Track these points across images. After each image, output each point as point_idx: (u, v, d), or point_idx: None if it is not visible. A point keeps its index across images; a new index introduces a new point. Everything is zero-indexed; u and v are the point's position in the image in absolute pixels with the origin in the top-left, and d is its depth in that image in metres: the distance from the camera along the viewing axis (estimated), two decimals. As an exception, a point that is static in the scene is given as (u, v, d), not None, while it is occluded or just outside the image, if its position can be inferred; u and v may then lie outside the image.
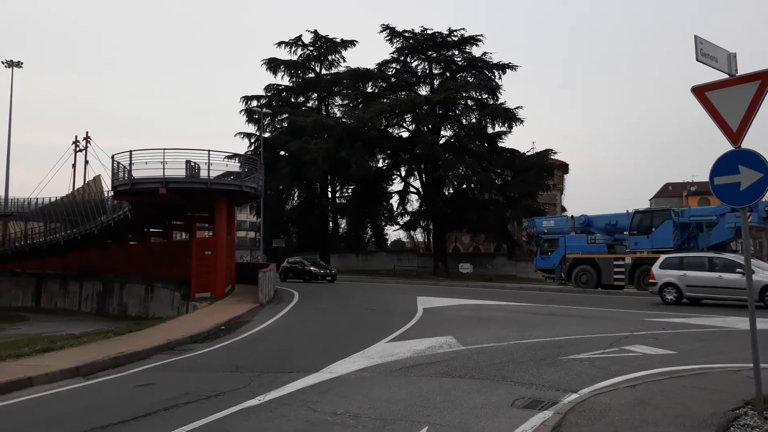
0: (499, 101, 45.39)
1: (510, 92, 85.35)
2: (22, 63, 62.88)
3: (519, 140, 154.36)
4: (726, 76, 6.51)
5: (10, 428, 6.94)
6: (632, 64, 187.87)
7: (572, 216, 31.60)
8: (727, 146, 6.43)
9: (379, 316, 17.74)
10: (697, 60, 6.34)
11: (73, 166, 64.93)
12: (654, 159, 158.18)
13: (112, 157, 24.50)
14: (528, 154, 46.15)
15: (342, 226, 59.77)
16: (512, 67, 46.30)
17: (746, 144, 6.33)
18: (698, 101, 6.59)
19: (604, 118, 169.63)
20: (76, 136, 67.42)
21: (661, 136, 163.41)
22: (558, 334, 12.75)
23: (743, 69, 6.47)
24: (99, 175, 39.07)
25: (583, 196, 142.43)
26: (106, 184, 33.84)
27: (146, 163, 23.39)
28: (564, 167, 56.94)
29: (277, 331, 15.17)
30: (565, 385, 7.97)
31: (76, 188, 49.86)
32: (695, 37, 6.36)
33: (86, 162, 64.66)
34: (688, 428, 5.88)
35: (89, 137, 64.68)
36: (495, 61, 46.58)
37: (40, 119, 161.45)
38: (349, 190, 54.33)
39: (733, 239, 26.27)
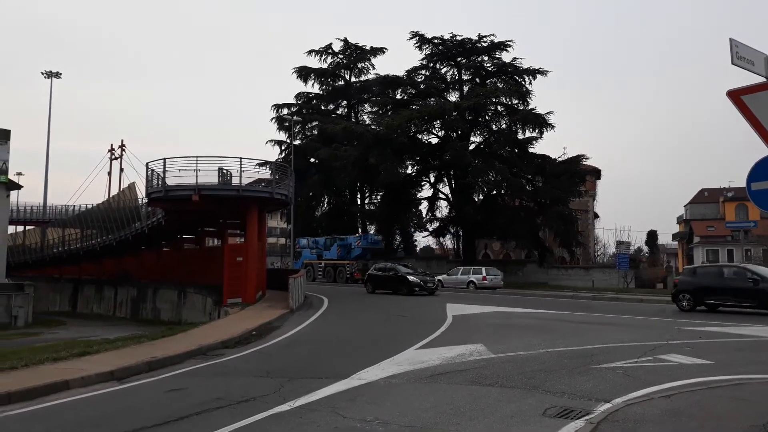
0: (530, 107, 45.11)
1: (540, 97, 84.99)
2: (61, 74, 64.67)
3: (550, 146, 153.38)
4: (763, 79, 6.36)
5: (47, 429, 7.11)
6: (666, 67, 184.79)
7: (307, 239, 47.85)
8: (764, 151, 6.29)
9: (408, 322, 17.71)
10: (732, 63, 6.21)
11: (109, 173, 66.52)
12: (689, 164, 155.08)
13: (147, 164, 25.00)
14: (559, 159, 45.73)
15: (371, 232, 59.90)
16: (543, 72, 46.00)
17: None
18: (734, 105, 6.46)
19: (637, 123, 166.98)
20: (111, 144, 69.20)
21: (696, 141, 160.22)
22: (590, 343, 12.56)
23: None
24: (134, 183, 39.83)
25: (616, 202, 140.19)
26: (141, 191, 34.58)
27: (179, 170, 23.81)
28: (596, 173, 56.23)
29: (307, 337, 15.24)
30: (598, 395, 7.84)
31: (111, 195, 51.10)
32: (730, 40, 6.24)
33: (121, 169, 66.20)
34: (726, 440, 5.74)
35: (124, 145, 66.27)
36: (525, 67, 46.36)
37: (78, 127, 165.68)
38: (378, 197, 54.46)
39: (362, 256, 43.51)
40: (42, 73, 64.08)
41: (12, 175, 39.57)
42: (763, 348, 11.97)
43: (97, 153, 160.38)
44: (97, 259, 44.45)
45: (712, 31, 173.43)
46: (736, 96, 6.46)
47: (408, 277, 29.54)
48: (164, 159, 23.98)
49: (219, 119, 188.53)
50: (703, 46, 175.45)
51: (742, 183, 6.54)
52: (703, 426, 6.18)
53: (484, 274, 35.38)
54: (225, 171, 24.50)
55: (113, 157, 66.38)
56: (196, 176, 23.53)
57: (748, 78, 6.42)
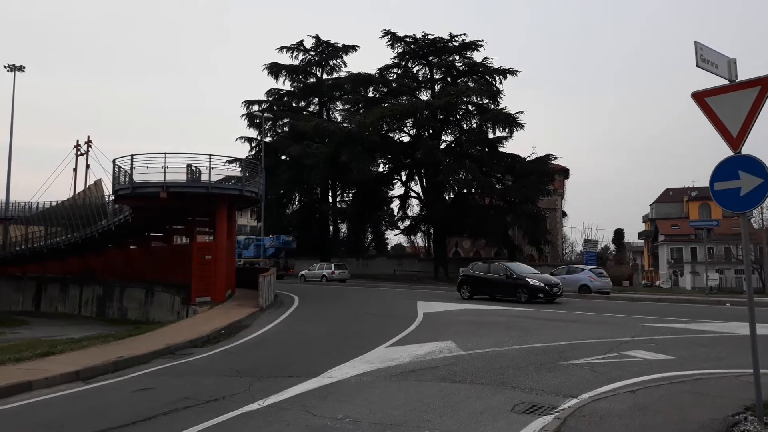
0: (500, 106, 45.52)
1: (511, 97, 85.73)
2: (24, 67, 63.03)
3: (519, 145, 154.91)
4: (726, 81, 6.53)
5: (9, 432, 6.94)
6: (633, 68, 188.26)
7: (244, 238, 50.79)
8: (727, 152, 6.45)
9: (379, 320, 17.72)
10: (697, 66, 6.36)
11: (75, 170, 65.11)
12: (655, 164, 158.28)
13: (114, 161, 24.56)
14: (528, 159, 46.23)
15: (342, 230, 59.85)
16: (513, 72, 46.44)
17: (746, 149, 6.35)
18: (698, 107, 6.61)
19: (605, 123, 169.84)
20: (77, 140, 67.56)
21: (662, 141, 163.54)
22: (558, 339, 12.73)
23: (743, 75, 6.49)
24: (100, 179, 38.97)
25: (583, 201, 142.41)
26: (107, 188, 33.90)
27: (147, 167, 23.40)
28: (564, 172, 57.00)
29: (277, 336, 15.16)
30: (565, 391, 7.96)
31: (77, 192, 49.99)
32: (695, 43, 6.38)
33: (87, 166, 64.83)
34: (688, 434, 5.88)
35: (91, 141, 64.88)
36: (496, 66, 46.75)
37: (42, 123, 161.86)
38: (350, 195, 54.42)
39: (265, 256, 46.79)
40: (5, 67, 62.40)
41: (-28, 171, 38.41)
42: (723, 344, 12.28)
43: (62, 149, 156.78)
44: (62, 258, 43.53)
45: (679, 33, 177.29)
46: (700, 98, 6.62)
47: (529, 280, 22.98)
48: (131, 155, 23.58)
49: (188, 116, 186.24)
50: (669, 47, 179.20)
51: (705, 183, 6.69)
52: (667, 420, 6.31)
53: (333, 269, 40.94)
54: (194, 168, 24.19)
55: (79, 153, 65.03)
56: (164, 173, 23.16)
57: (713, 80, 6.59)
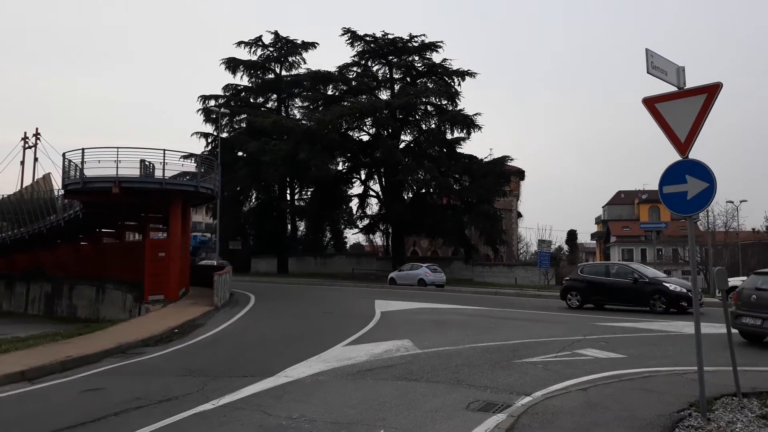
0: (458, 107, 45.88)
1: (469, 99, 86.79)
2: (-32, 55, 60.57)
3: (477, 146, 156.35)
4: (675, 88, 6.74)
5: (-52, 435, 6.67)
6: (588, 74, 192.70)
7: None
8: (676, 156, 6.66)
9: (336, 319, 17.69)
10: (648, 72, 6.55)
11: (22, 163, 62.64)
12: (608, 167, 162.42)
13: (63, 154, 23.79)
14: (485, 160, 46.75)
15: (300, 228, 59.43)
16: (471, 74, 46.88)
17: (693, 155, 6.57)
18: (649, 112, 6.82)
19: (559, 126, 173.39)
20: (25, 133, 65.15)
21: (614, 145, 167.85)
22: (512, 338, 12.94)
23: (691, 82, 6.72)
24: (49, 173, 37.68)
25: (538, 202, 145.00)
26: (57, 183, 32.88)
27: (99, 161, 22.79)
28: (520, 174, 57.84)
29: (232, 335, 14.96)
30: (519, 388, 8.10)
31: (24, 186, 48.24)
32: (646, 50, 6.58)
33: (35, 159, 62.48)
34: (636, 430, 6.05)
35: (39, 134, 62.56)
36: (455, 68, 47.08)
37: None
38: (308, 193, 54.04)
39: None
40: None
41: None
42: (671, 342, 12.68)
43: (8, 141, 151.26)
44: (8, 254, 41.99)
45: (631, 39, 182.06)
46: (650, 104, 6.82)
47: (667, 285, 19.44)
48: (82, 149, 22.89)
49: (142, 110, 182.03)
50: (621, 53, 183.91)
51: (656, 186, 6.90)
52: (617, 417, 6.49)
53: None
54: (147, 163, 23.68)
55: (27, 146, 62.71)
56: (117, 168, 22.59)
57: (662, 87, 6.80)
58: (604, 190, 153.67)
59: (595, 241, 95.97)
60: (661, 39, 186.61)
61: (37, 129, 62.71)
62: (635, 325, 15.66)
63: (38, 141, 61.64)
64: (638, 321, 16.51)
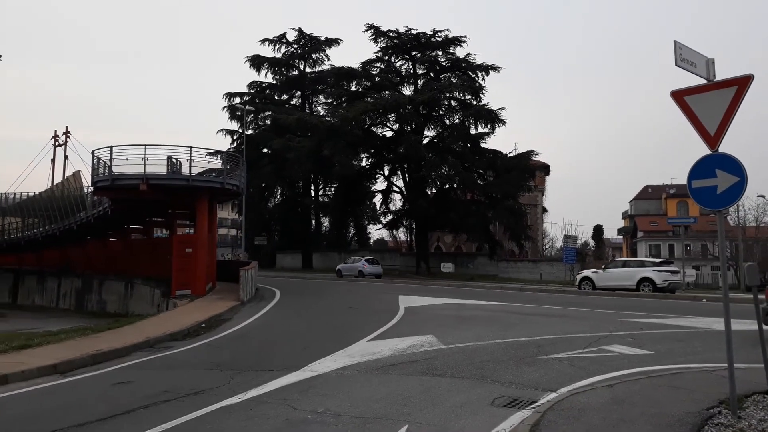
0: (482, 102, 45.61)
1: (493, 93, 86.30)
2: (0, 56, 61.84)
3: (501, 141, 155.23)
4: (704, 81, 6.62)
5: (-15, 426, 6.86)
6: (613, 66, 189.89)
7: None
8: (705, 150, 6.54)
9: (360, 314, 17.75)
10: (676, 65, 6.43)
11: (53, 161, 63.88)
12: (635, 161, 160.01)
13: (93, 152, 24.23)
14: (510, 155, 46.41)
15: (324, 224, 59.68)
16: (495, 69, 46.54)
17: (723, 148, 6.45)
18: (677, 105, 6.70)
19: (585, 120, 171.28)
20: (55, 131, 66.39)
21: (641, 139, 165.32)
22: (537, 334, 12.86)
23: (721, 74, 6.59)
24: (79, 171, 38.55)
25: (564, 197, 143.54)
26: (86, 180, 33.46)
27: (127, 159, 23.15)
28: (545, 168, 57.39)
29: (258, 329, 15.11)
30: (544, 385, 8.05)
31: (55, 183, 49.21)
32: (675, 42, 6.46)
33: (66, 157, 63.64)
34: (664, 427, 5.98)
35: (69, 132, 63.61)
36: (478, 63, 46.79)
37: (20, 113, 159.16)
38: (332, 189, 54.23)
39: None
40: (-20, 55, 61.17)
41: (-53, 161, 37.66)
42: (699, 338, 12.49)
43: (39, 140, 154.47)
44: (40, 250, 42.91)
45: (659, 32, 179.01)
46: (679, 97, 6.70)
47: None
48: (111, 147, 23.27)
49: (169, 108, 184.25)
50: (650, 46, 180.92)
51: (684, 180, 6.79)
52: (644, 413, 6.42)
53: None
54: (174, 160, 23.96)
55: (57, 144, 63.87)
56: (144, 165, 22.92)
57: (692, 79, 6.67)
58: (631, 185, 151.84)
59: (621, 237, 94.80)
60: (689, 28, 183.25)
61: (66, 127, 63.90)
62: (663, 321, 15.44)
63: (68, 139, 62.74)
64: (666, 317, 16.28)
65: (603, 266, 30.51)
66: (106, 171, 23.61)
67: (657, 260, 29.61)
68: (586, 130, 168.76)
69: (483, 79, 46.83)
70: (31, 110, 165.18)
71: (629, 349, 10.87)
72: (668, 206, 78.46)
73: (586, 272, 29.39)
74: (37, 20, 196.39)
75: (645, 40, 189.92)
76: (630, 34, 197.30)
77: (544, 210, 62.25)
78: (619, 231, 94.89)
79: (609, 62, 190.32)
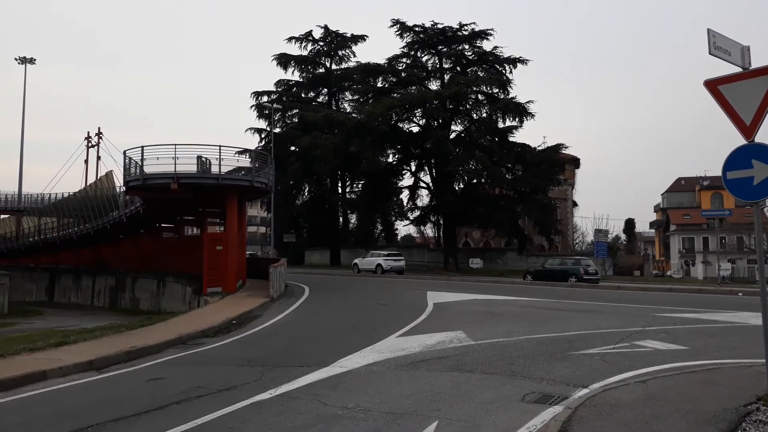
0: (510, 95, 45.18)
1: (521, 86, 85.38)
2: (35, 59, 63.31)
3: (530, 135, 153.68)
4: (739, 69, 6.45)
5: (24, 421, 7.03)
6: (643, 57, 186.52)
7: None
8: (740, 140, 6.38)
9: (389, 310, 17.76)
10: (710, 53, 6.28)
11: (86, 161, 65.47)
12: (667, 153, 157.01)
13: (124, 152, 24.67)
14: (539, 148, 45.92)
15: (352, 221, 59.85)
16: (523, 61, 46.05)
17: (760, 138, 6.28)
18: (711, 95, 6.54)
19: (615, 112, 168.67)
20: (88, 132, 67.93)
21: (673, 130, 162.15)
22: (568, 329, 12.72)
23: (756, 62, 6.41)
24: (111, 171, 39.11)
25: (594, 191, 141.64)
26: (118, 180, 34.09)
27: (158, 158, 23.50)
28: (575, 162, 56.65)
29: (288, 326, 15.23)
30: (576, 380, 7.96)
31: (88, 184, 50.30)
32: (708, 30, 6.31)
33: (98, 158, 65.14)
34: (700, 423, 5.86)
35: (101, 133, 65.17)
36: (506, 56, 46.35)
37: (53, 115, 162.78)
38: (359, 185, 54.35)
39: None
40: (16, 59, 62.68)
41: (-15, 163, 38.71)
42: (735, 333, 12.22)
43: (73, 141, 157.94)
44: (74, 248, 43.89)
45: (692, 21, 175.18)
46: (713, 86, 6.55)
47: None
48: (142, 147, 23.68)
49: (198, 107, 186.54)
50: (682, 35, 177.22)
51: (718, 172, 6.64)
52: (679, 409, 6.30)
53: None
54: (204, 159, 24.25)
55: (90, 145, 65.36)
56: (175, 164, 23.25)
57: (726, 68, 6.51)
58: (664, 177, 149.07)
59: (653, 230, 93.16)
60: (726, 14, 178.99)
61: (99, 128, 65.28)
62: (698, 315, 15.15)
63: (100, 140, 64.19)
64: (701, 312, 15.96)
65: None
66: (138, 171, 24.01)
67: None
68: (617, 122, 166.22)
69: (510, 72, 46.41)
70: (65, 113, 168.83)
71: (662, 344, 10.69)
72: (702, 198, 76.87)
73: None
74: (75, 26, 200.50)
75: (678, 28, 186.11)
76: (662, 22, 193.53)
77: (574, 204, 61.41)
78: (651, 224, 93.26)
79: (642, 52, 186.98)
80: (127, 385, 8.85)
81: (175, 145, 23.34)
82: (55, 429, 6.51)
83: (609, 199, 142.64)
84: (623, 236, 79.36)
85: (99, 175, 52.76)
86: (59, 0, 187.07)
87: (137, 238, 40.63)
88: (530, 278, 32.14)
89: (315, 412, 6.75)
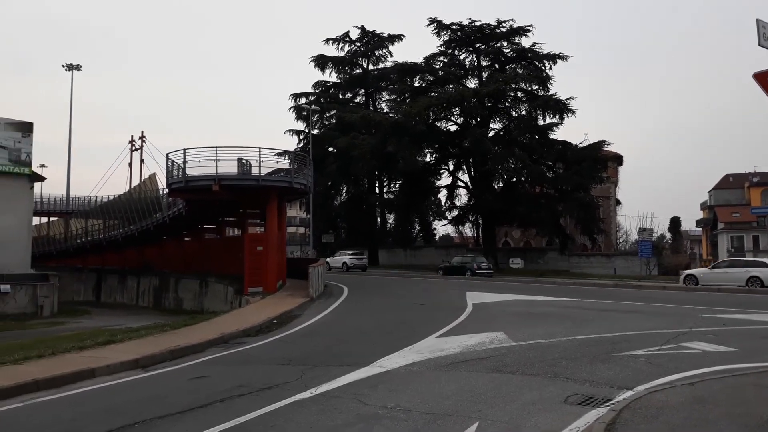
0: (550, 92, 44.60)
1: (561, 83, 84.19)
2: (81, 66, 65.25)
3: (571, 132, 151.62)
4: (790, 61, 6.22)
5: (75, 416, 7.25)
6: (686, 50, 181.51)
7: None
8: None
9: (428, 311, 17.71)
10: (759, 45, 6.08)
11: (130, 164, 66.99)
12: (714, 149, 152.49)
13: (167, 155, 25.19)
14: (580, 146, 45.19)
15: (390, 221, 59.97)
16: (563, 57, 45.42)
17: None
18: (761, 88, 6.33)
19: (660, 108, 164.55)
20: (132, 136, 69.80)
21: (721, 125, 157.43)
22: (612, 330, 12.47)
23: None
24: (154, 173, 40.08)
25: (638, 188, 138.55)
26: (161, 182, 34.84)
27: (199, 161, 23.92)
28: (618, 159, 55.57)
29: (328, 326, 15.33)
30: (620, 382, 7.79)
31: (132, 186, 51.58)
32: (757, 20, 6.10)
33: (142, 160, 66.60)
34: (751, 428, 5.67)
35: (144, 136, 66.60)
36: (545, 52, 45.79)
37: (99, 120, 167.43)
38: (397, 185, 54.42)
39: None
40: (63, 66, 64.71)
41: (35, 167, 40.21)
42: (789, 335, 11.79)
43: (117, 145, 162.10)
44: (120, 249, 45.02)
45: (738, 12, 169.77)
46: (763, 79, 6.33)
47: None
48: (184, 149, 24.15)
49: (237, 110, 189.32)
50: (728, 27, 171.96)
51: (768, 167, 6.40)
52: (728, 413, 6.10)
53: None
54: (244, 161, 24.59)
55: (134, 148, 66.89)
56: (216, 166, 23.63)
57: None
58: (711, 174, 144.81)
59: (700, 229, 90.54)
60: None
61: (142, 132, 66.95)
62: (748, 317, 14.68)
63: (144, 143, 65.64)
64: (751, 313, 15.46)
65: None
66: (180, 173, 24.50)
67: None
68: (661, 117, 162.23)
69: (550, 68, 45.90)
70: (110, 117, 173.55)
71: (711, 346, 10.38)
72: (752, 195, 74.42)
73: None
74: (119, 32, 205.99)
75: (726, 19, 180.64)
76: (709, 12, 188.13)
77: (618, 202, 60.23)
78: (698, 223, 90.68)
79: (687, 45, 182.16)
80: (172, 383, 9.03)
81: (216, 147, 23.75)
82: (104, 425, 6.68)
83: (653, 197, 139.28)
84: (668, 235, 77.39)
85: (143, 178, 54.12)
86: (100, 4, 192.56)
87: (180, 239, 41.45)
88: (441, 273, 37.80)
89: (355, 412, 6.77)
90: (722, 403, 6.51)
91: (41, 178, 43.11)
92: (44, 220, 61.95)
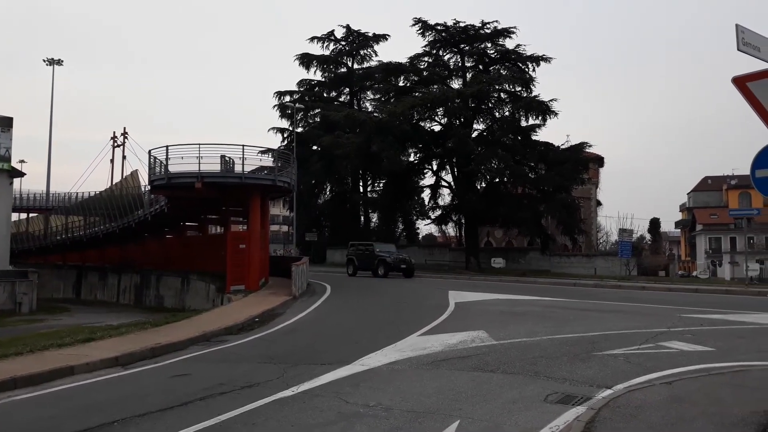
0: (533, 94, 44.83)
1: (544, 84, 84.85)
2: (62, 61, 64.46)
3: (553, 133, 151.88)
4: (769, 65, 6.32)
5: (54, 414, 7.18)
6: (668, 54, 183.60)
7: None
8: (769, 138, 6.26)
9: (410, 309, 17.75)
10: (738, 49, 6.16)
11: (111, 161, 66.46)
12: (693, 152, 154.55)
13: (149, 152, 25.01)
14: (562, 147, 45.50)
15: (373, 220, 59.91)
16: (546, 59, 45.65)
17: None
18: (739, 92, 6.42)
19: (641, 110, 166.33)
20: (114, 132, 68.99)
21: (700, 129, 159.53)
22: (592, 330, 12.59)
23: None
24: (136, 170, 39.84)
25: (619, 190, 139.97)
26: (143, 179, 34.59)
27: (182, 158, 23.77)
28: (599, 160, 56.04)
29: (310, 324, 15.31)
30: (599, 381, 7.88)
31: (114, 183, 51.10)
32: (737, 26, 6.19)
33: (124, 157, 66.08)
34: (727, 426, 5.76)
35: (126, 133, 66.13)
36: (528, 53, 46.02)
37: (79, 116, 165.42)
38: (381, 185, 54.40)
39: None
40: (44, 60, 63.93)
41: (15, 163, 39.58)
42: (764, 335, 12.00)
43: (99, 141, 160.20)
44: (101, 247, 44.65)
45: (719, 17, 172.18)
46: (741, 83, 6.42)
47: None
48: (167, 146, 23.96)
49: (221, 107, 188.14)
50: (708, 32, 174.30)
51: (745, 171, 6.56)
52: (705, 412, 6.20)
53: None
54: (227, 158, 24.49)
55: (116, 144, 66.33)
56: (199, 164, 23.49)
57: (754, 65, 6.38)
58: (690, 176, 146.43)
59: (679, 230, 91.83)
60: (760, 7, 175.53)
61: (124, 128, 66.25)
62: (725, 317, 14.89)
63: (126, 140, 65.09)
64: (728, 313, 15.69)
65: None
66: (163, 170, 24.32)
67: None
68: (643, 120, 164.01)
69: (533, 70, 46.06)
70: (91, 113, 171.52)
71: (688, 345, 10.52)
72: (729, 198, 75.57)
73: None
74: (101, 26, 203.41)
75: (703, 24, 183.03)
76: (689, 19, 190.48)
77: (598, 203, 60.83)
78: (677, 224, 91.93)
79: (667, 50, 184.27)
80: (152, 381, 8.98)
81: (199, 144, 23.60)
82: (83, 422, 6.62)
83: (634, 198, 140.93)
84: (648, 236, 78.37)
85: (124, 175, 53.61)
86: (86, 4, 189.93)
87: (162, 236, 41.17)
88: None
89: (337, 410, 6.78)
90: (699, 402, 6.62)
91: (21, 174, 42.51)
92: (23, 216, 61.10)
